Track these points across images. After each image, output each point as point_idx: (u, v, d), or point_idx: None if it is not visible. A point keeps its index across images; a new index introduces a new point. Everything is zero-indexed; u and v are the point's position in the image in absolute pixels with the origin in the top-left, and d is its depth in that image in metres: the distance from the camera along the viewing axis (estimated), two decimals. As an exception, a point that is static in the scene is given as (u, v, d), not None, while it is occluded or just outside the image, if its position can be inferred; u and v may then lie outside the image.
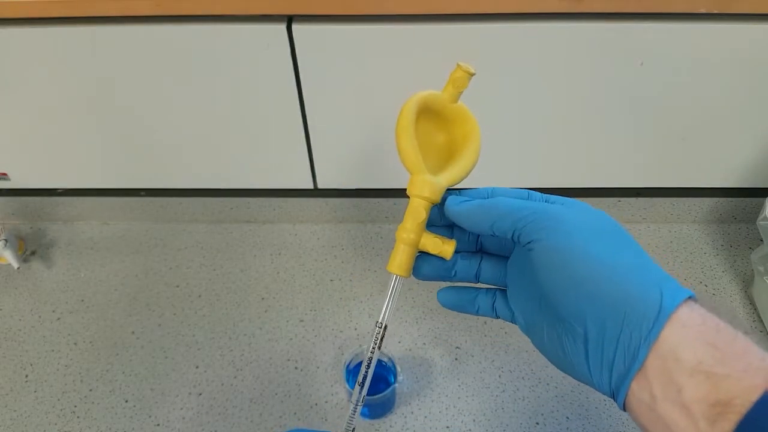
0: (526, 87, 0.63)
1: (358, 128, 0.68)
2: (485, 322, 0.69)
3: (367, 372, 0.33)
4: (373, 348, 0.33)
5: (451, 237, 0.34)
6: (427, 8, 0.55)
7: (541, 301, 0.30)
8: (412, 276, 0.33)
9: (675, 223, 0.82)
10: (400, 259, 0.32)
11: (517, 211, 0.29)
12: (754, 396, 0.22)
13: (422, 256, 0.33)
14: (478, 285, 0.35)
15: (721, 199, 0.78)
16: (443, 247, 0.31)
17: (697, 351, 0.24)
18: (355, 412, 0.34)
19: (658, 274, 0.27)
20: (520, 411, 0.61)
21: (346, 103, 0.65)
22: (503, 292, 0.34)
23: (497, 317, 0.34)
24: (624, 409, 0.27)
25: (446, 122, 0.33)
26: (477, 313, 0.34)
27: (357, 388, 0.34)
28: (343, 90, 0.64)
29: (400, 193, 0.81)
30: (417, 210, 0.31)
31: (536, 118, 0.66)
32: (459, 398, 0.63)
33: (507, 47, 0.59)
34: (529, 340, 0.32)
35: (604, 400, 0.62)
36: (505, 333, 0.68)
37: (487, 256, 0.34)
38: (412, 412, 0.61)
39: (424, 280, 0.34)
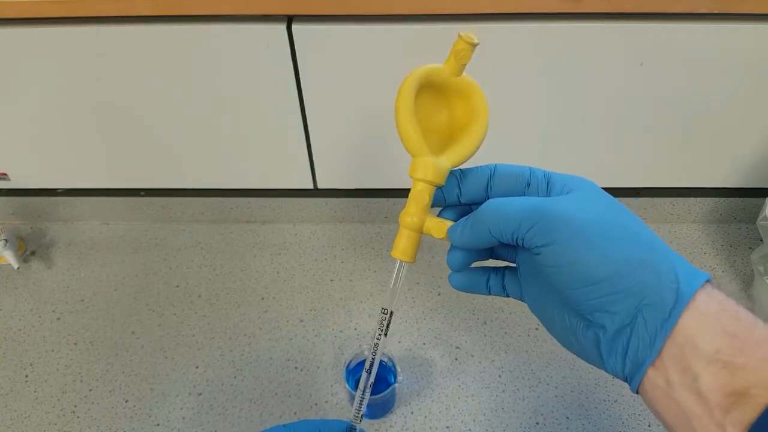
0: (525, 87, 0.63)
1: (358, 128, 0.68)
2: (485, 322, 0.69)
3: (374, 359, 0.34)
4: (380, 335, 0.33)
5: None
6: (427, 8, 0.55)
7: (552, 292, 0.29)
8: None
9: (675, 223, 0.82)
10: (404, 245, 0.31)
11: (513, 219, 0.27)
12: None
13: (451, 252, 0.32)
14: (489, 263, 0.34)
15: (721, 199, 0.78)
16: (446, 230, 0.31)
17: (715, 339, 0.23)
18: (363, 398, 0.35)
19: (673, 259, 0.26)
20: (520, 411, 0.61)
21: (346, 103, 0.65)
22: (512, 269, 0.33)
23: (507, 296, 0.34)
24: (637, 392, 0.26)
25: (450, 97, 0.32)
26: (489, 293, 0.34)
27: (364, 374, 0.34)
28: (343, 90, 0.64)
29: (400, 193, 0.82)
30: (421, 194, 0.30)
31: (535, 119, 0.66)
32: (459, 398, 0.63)
33: (507, 47, 0.59)
34: (538, 321, 0.31)
35: (605, 400, 0.62)
36: (505, 333, 0.68)
37: None
38: (412, 412, 0.61)
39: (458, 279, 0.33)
